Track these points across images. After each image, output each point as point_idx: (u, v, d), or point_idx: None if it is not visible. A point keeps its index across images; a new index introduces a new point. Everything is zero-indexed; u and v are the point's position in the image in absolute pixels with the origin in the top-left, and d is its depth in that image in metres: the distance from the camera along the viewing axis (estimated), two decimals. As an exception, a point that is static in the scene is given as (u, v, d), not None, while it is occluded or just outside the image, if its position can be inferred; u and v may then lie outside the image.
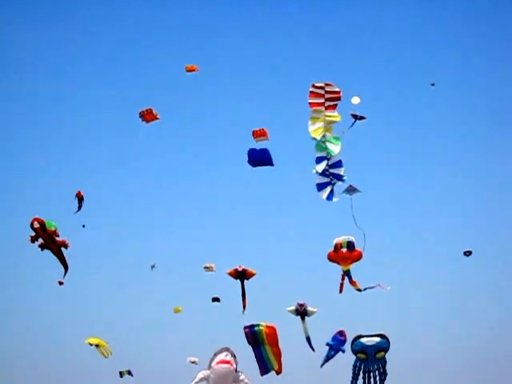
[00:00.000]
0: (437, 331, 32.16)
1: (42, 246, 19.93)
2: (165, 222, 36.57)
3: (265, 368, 19.07)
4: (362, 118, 20.00)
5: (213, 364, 17.30)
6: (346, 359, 18.95)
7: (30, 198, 33.79)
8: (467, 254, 24.22)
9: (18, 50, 40.72)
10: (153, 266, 27.15)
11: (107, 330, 25.75)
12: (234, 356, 17.62)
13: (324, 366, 19.85)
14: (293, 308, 20.44)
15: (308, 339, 20.52)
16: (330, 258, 20.28)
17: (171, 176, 39.36)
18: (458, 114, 39.24)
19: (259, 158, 20.89)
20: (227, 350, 17.55)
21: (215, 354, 17.47)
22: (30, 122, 40.13)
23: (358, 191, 19.75)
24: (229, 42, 42.67)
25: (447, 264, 33.06)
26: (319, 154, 19.53)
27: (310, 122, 19.45)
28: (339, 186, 19.58)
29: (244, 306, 22.26)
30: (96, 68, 41.32)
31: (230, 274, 22.23)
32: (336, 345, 19.77)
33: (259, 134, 20.91)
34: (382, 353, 17.54)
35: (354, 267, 20.26)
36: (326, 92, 19.38)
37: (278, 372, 19.35)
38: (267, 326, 18.52)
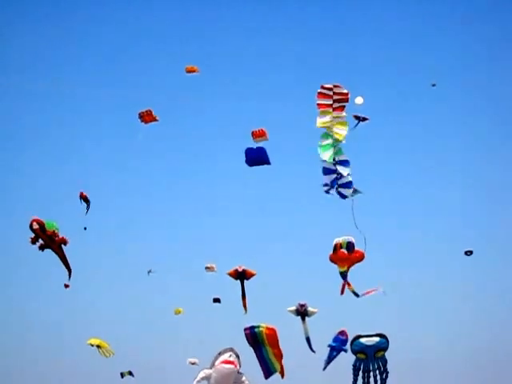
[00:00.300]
0: (437, 331, 32.20)
1: (42, 247, 19.92)
2: (165, 223, 36.67)
3: (268, 371, 19.03)
4: (364, 119, 20.03)
5: (216, 363, 17.27)
6: (346, 359, 18.96)
7: (31, 198, 33.81)
8: (468, 253, 24.24)
9: (17, 51, 40.80)
10: (149, 272, 27.27)
11: (108, 330, 25.84)
12: (237, 357, 17.60)
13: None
14: (293, 308, 20.44)
15: (308, 340, 20.51)
16: (331, 259, 20.33)
17: (172, 176, 39.46)
18: (459, 115, 39.31)
19: (256, 156, 20.88)
20: (231, 350, 17.53)
21: (219, 354, 17.43)
22: (31, 123, 40.22)
23: (360, 192, 19.78)
24: (227, 43, 42.77)
25: (448, 263, 33.17)
26: (325, 142, 19.51)
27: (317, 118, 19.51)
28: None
29: (245, 307, 22.30)
30: (96, 68, 41.39)
31: (230, 274, 22.24)
32: (338, 345, 19.75)
33: (258, 135, 20.90)
34: (382, 352, 17.55)
35: (354, 268, 20.35)
36: (335, 93, 19.40)
37: (282, 375, 19.31)
38: (267, 328, 18.49)
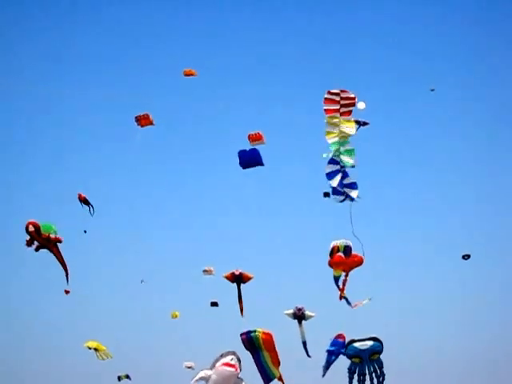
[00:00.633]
0: (436, 333, 32.18)
1: (38, 248, 19.93)
2: (164, 226, 36.65)
3: (267, 378, 19.00)
4: (365, 123, 20.02)
5: (217, 365, 17.24)
6: (344, 363, 18.96)
7: (31, 200, 33.82)
8: (466, 257, 24.19)
9: (17, 53, 40.83)
10: (142, 281, 27.32)
11: (105, 334, 25.75)
12: (239, 361, 17.58)
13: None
14: (290, 311, 20.43)
15: (304, 344, 20.53)
16: (329, 264, 20.32)
17: (170, 180, 39.43)
18: (458, 120, 39.33)
19: (249, 158, 20.82)
20: (234, 353, 17.52)
21: (221, 356, 17.41)
22: (30, 124, 40.27)
23: (358, 197, 19.78)
24: (225, 46, 42.73)
25: (446, 267, 33.14)
26: (329, 170, 19.56)
27: (326, 130, 19.55)
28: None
29: (241, 310, 22.29)
30: (95, 70, 41.38)
31: (227, 277, 22.25)
32: (337, 349, 19.70)
33: (255, 138, 20.82)
34: (377, 355, 17.57)
35: (352, 272, 20.34)
36: (342, 98, 19.45)
37: (282, 382, 19.24)
38: (263, 333, 18.47)
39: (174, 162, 38.78)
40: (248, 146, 20.97)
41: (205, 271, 24.91)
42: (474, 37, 41.67)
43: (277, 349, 18.65)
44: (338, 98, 19.43)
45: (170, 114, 32.31)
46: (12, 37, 41.18)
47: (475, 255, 24.73)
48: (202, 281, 25.04)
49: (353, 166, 19.54)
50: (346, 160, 19.45)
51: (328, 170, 19.65)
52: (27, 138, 40.05)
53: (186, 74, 23.04)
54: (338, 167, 19.56)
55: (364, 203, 20.27)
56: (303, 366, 21.24)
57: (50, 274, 22.31)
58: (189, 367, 24.20)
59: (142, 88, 37.37)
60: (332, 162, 19.61)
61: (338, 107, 19.44)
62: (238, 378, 17.54)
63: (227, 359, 17.29)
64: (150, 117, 22.01)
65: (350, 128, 19.47)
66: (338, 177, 19.59)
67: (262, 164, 20.87)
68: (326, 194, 20.78)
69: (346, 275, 20.42)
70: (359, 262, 20.19)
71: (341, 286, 20.42)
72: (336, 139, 19.39)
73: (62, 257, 20.33)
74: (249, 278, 22.18)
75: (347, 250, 20.10)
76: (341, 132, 19.41)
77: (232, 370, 17.18)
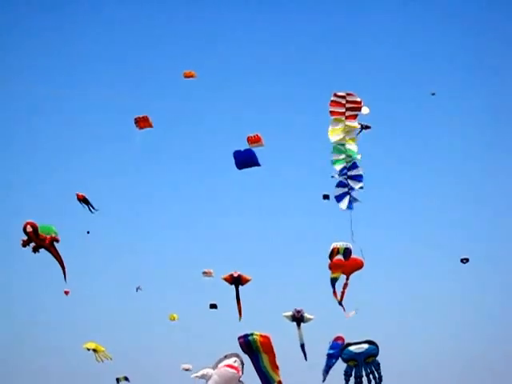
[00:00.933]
0: (433, 338, 32.16)
1: (35, 248, 19.90)
2: (163, 228, 36.66)
3: (267, 383, 18.93)
4: (367, 127, 20.00)
5: (220, 365, 17.16)
6: (342, 366, 18.88)
7: (33, 202, 33.81)
8: (464, 261, 24.18)
9: (16, 56, 40.86)
10: (138, 288, 27.31)
11: (104, 336, 25.75)
12: (242, 364, 17.50)
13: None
14: (289, 313, 20.38)
15: (302, 346, 20.46)
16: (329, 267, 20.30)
17: (171, 182, 39.45)
18: (457, 125, 39.30)
19: (245, 159, 20.75)
20: (237, 356, 17.41)
21: (225, 357, 17.31)
22: (30, 125, 40.28)
23: (358, 201, 19.77)
24: (226, 49, 42.78)
25: (445, 271, 33.13)
26: (335, 157, 19.61)
27: (329, 127, 19.53)
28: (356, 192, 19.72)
29: (239, 312, 22.26)
30: (95, 71, 41.47)
31: (226, 279, 22.22)
32: (337, 352, 19.63)
33: (254, 140, 20.74)
34: (372, 358, 17.56)
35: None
36: (348, 101, 19.44)
37: None
38: (261, 335, 18.35)
39: (174, 164, 38.85)
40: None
41: (204, 273, 24.93)
42: (475, 38, 41.74)
43: (275, 351, 18.58)
44: (344, 101, 19.44)
45: (170, 114, 32.44)
46: (11, 37, 41.24)
47: (473, 258, 24.75)
48: (202, 283, 25.08)
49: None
50: (351, 148, 19.47)
51: (337, 193, 19.71)
52: (28, 138, 40.10)
53: (186, 76, 23.06)
54: (345, 190, 19.61)
55: (364, 205, 20.27)
56: (301, 368, 21.19)
57: (49, 274, 22.30)
58: (186, 369, 24.22)
59: (141, 89, 37.48)
60: (341, 184, 19.68)
61: (343, 110, 19.44)
62: (239, 381, 17.45)
63: (230, 361, 17.18)
64: (150, 119, 22.02)
65: (353, 126, 19.50)
66: (346, 200, 19.65)
67: (258, 164, 20.82)
68: (326, 196, 20.79)
69: (347, 278, 20.38)
70: (359, 266, 20.13)
71: (342, 289, 20.36)
72: (341, 136, 19.39)
73: (59, 255, 20.30)
74: (247, 280, 22.16)
75: (347, 252, 20.02)
76: (345, 127, 19.42)
77: (234, 371, 17.08)
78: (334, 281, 20.17)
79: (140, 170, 32.41)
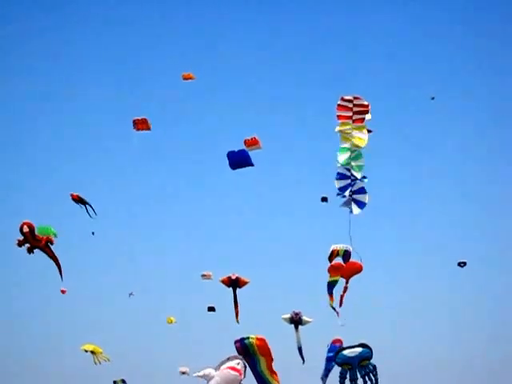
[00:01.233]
0: (430, 342, 32.11)
1: (30, 249, 19.89)
2: (161, 231, 36.60)
3: None
4: (368, 131, 19.98)
5: (222, 367, 17.08)
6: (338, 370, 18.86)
7: (32, 203, 33.77)
8: (462, 265, 24.13)
9: (15, 56, 40.87)
10: (130, 294, 27.32)
11: (103, 339, 25.68)
12: (245, 367, 17.44)
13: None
14: (288, 316, 20.35)
15: (300, 349, 20.43)
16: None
17: (170, 183, 39.37)
18: (458, 127, 39.34)
19: (239, 159, 20.68)
20: (241, 359, 17.35)
21: (228, 359, 17.23)
22: (29, 126, 40.30)
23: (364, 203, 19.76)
24: (225, 50, 42.73)
25: (442, 274, 33.12)
26: (343, 145, 19.63)
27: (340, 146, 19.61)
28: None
29: (236, 315, 22.22)
30: (94, 71, 41.48)
31: (223, 281, 22.19)
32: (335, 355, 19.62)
33: (251, 143, 20.66)
34: (366, 361, 17.56)
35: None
36: (355, 105, 19.40)
37: None
38: (257, 338, 18.26)
39: (173, 165, 38.77)
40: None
41: (203, 276, 24.87)
42: (474, 39, 41.74)
43: (272, 354, 18.52)
44: (351, 105, 19.43)
45: (169, 115, 32.46)
46: (12, 43, 41.26)
47: (472, 261, 24.75)
48: (200, 285, 25.05)
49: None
50: (355, 174, 19.53)
51: (339, 185, 19.70)
52: (27, 139, 40.05)
53: (185, 78, 23.07)
54: (348, 181, 19.60)
55: (363, 213, 20.22)
56: (299, 372, 21.16)
57: (47, 275, 22.24)
58: (183, 372, 24.17)
59: (141, 89, 37.42)
60: (342, 177, 19.64)
61: (350, 114, 19.44)
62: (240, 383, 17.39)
63: (233, 363, 17.08)
64: (148, 122, 22.01)
65: (361, 138, 19.47)
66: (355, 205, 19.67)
67: (251, 164, 20.76)
68: (324, 199, 20.77)
69: (347, 282, 20.35)
70: (358, 270, 20.08)
71: (341, 293, 20.31)
72: (347, 155, 19.44)
73: (55, 256, 20.29)
74: (245, 283, 22.14)
75: (346, 255, 19.98)
76: (353, 145, 19.43)
77: (236, 374, 16.97)
78: (332, 284, 20.10)
79: (138, 171, 32.49)
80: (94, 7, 42.52)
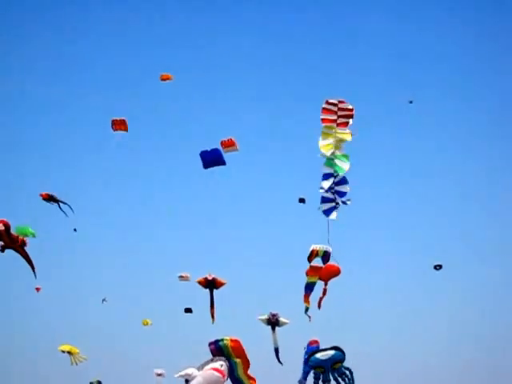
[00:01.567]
0: (425, 346, 32.18)
1: (3, 248, 19.72)
2: (139, 231, 36.42)
3: None
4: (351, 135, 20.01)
5: (206, 368, 16.98)
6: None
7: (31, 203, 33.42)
8: (437, 267, 24.12)
9: (15, 58, 40.57)
10: (103, 300, 27.24)
11: (77, 340, 25.52)
12: (228, 369, 17.39)
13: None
14: (265, 317, 20.35)
15: (276, 351, 20.45)
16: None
17: (148, 186, 39.20)
18: (453, 127, 39.43)
19: (211, 158, 20.56)
20: (224, 360, 17.28)
21: (212, 360, 17.13)
22: (29, 126, 40.06)
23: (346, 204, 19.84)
24: (206, 50, 42.64)
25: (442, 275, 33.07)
26: (327, 171, 19.64)
27: (320, 138, 19.56)
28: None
29: (212, 316, 22.17)
30: (93, 72, 41.36)
31: (200, 282, 22.14)
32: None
33: (227, 144, 20.56)
34: (339, 364, 17.66)
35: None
36: (339, 109, 19.52)
37: None
38: (231, 340, 18.19)
39: (149, 169, 38.57)
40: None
41: (181, 277, 24.74)
42: (475, 39, 41.90)
43: (247, 356, 18.47)
44: (335, 109, 19.56)
45: (161, 116, 32.37)
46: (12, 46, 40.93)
47: (472, 261, 24.65)
48: (177, 287, 24.95)
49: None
50: (340, 165, 19.51)
51: (325, 208, 19.74)
52: (17, 139, 39.75)
53: (163, 79, 23.00)
54: (333, 204, 19.66)
55: (349, 208, 20.24)
56: (276, 374, 21.15)
57: (22, 276, 22.04)
58: (159, 374, 24.08)
59: (140, 90, 37.17)
60: (327, 176, 19.70)
61: (335, 117, 19.52)
62: (222, 385, 17.31)
63: (217, 364, 16.93)
64: (126, 123, 21.93)
65: (346, 133, 19.53)
66: (335, 212, 19.70)
67: (224, 163, 20.65)
68: (302, 200, 20.80)
69: (325, 284, 20.38)
70: (336, 272, 20.12)
71: (320, 295, 20.36)
72: (331, 145, 19.45)
73: (28, 257, 20.13)
74: (222, 284, 22.11)
75: (326, 256, 20.03)
76: (336, 139, 19.46)
77: (219, 375, 16.82)
78: (309, 285, 20.13)
79: (117, 173, 32.39)
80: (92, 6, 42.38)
